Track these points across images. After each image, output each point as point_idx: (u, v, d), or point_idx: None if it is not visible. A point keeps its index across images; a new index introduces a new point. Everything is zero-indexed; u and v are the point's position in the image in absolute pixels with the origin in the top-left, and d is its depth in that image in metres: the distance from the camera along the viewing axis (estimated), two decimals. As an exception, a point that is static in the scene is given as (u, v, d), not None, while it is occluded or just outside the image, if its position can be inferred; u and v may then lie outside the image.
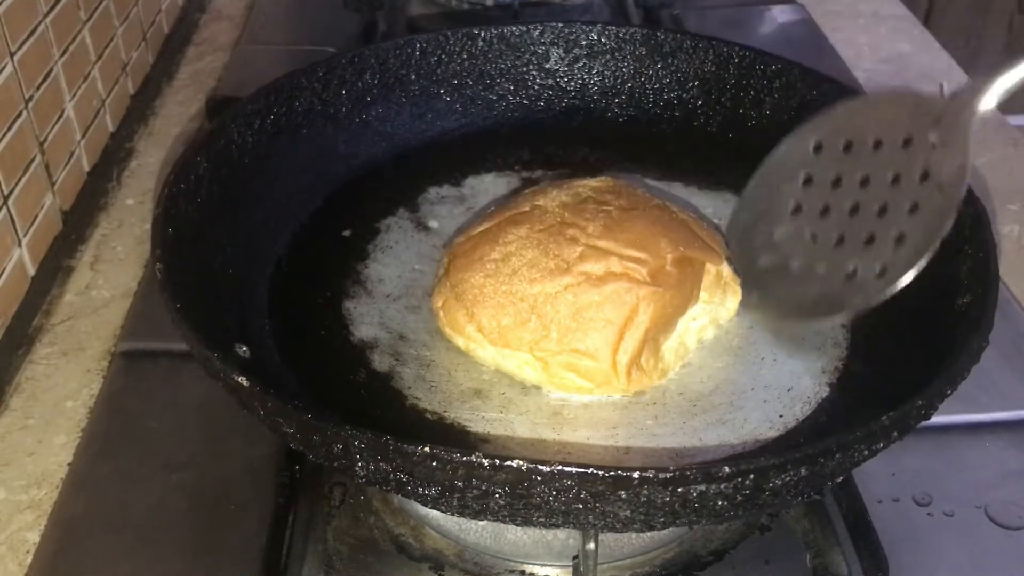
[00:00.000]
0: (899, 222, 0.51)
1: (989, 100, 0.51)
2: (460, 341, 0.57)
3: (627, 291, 0.53)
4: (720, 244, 0.60)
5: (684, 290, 0.56)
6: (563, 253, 0.55)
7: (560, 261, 0.54)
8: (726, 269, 0.58)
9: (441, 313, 0.57)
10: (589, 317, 0.54)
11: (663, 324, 0.55)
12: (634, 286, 0.54)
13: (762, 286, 0.58)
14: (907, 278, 0.49)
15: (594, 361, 0.54)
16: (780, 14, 1.16)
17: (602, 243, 0.55)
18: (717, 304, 0.59)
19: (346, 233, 0.68)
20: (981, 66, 1.89)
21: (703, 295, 0.58)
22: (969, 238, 0.56)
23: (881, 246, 0.51)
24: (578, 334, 0.54)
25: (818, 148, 0.57)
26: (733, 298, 0.59)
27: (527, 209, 0.58)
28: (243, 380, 0.46)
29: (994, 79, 0.51)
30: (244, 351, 0.53)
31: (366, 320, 0.61)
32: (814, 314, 0.54)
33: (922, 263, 0.49)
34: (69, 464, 0.63)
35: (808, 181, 0.57)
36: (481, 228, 0.59)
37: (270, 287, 0.62)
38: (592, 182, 0.60)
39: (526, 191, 0.62)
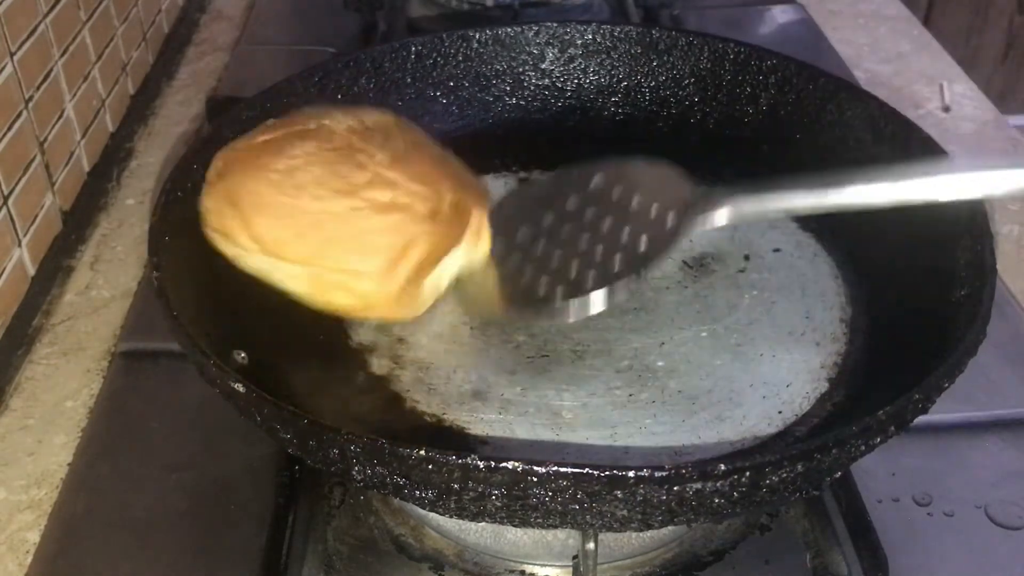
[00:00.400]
0: (593, 264, 0.55)
1: (720, 218, 0.54)
2: (228, 248, 0.56)
3: (409, 223, 0.54)
4: (483, 192, 0.60)
5: (453, 232, 0.56)
6: (351, 176, 0.54)
7: (347, 183, 0.54)
8: (483, 218, 0.58)
9: (211, 217, 0.56)
10: (369, 241, 0.54)
11: (432, 260, 0.55)
12: (415, 220, 0.54)
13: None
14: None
15: (366, 282, 0.54)
16: (780, 14, 1.16)
17: (390, 173, 0.55)
18: (471, 250, 0.58)
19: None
20: (981, 66, 1.89)
21: (465, 239, 0.57)
22: (966, 231, 0.56)
23: (577, 279, 0.54)
24: (355, 255, 0.53)
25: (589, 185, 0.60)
26: (484, 246, 0.59)
27: (314, 127, 0.57)
28: (239, 386, 0.46)
29: (737, 199, 0.54)
30: (242, 357, 0.54)
31: (364, 324, 0.61)
32: (509, 308, 0.56)
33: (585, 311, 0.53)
34: (69, 464, 0.64)
35: (562, 206, 0.60)
36: (263, 138, 0.57)
37: (267, 291, 0.62)
38: (376, 115, 0.60)
39: (306, 109, 0.60)
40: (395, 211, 0.54)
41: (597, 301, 0.53)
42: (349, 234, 0.54)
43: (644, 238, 0.55)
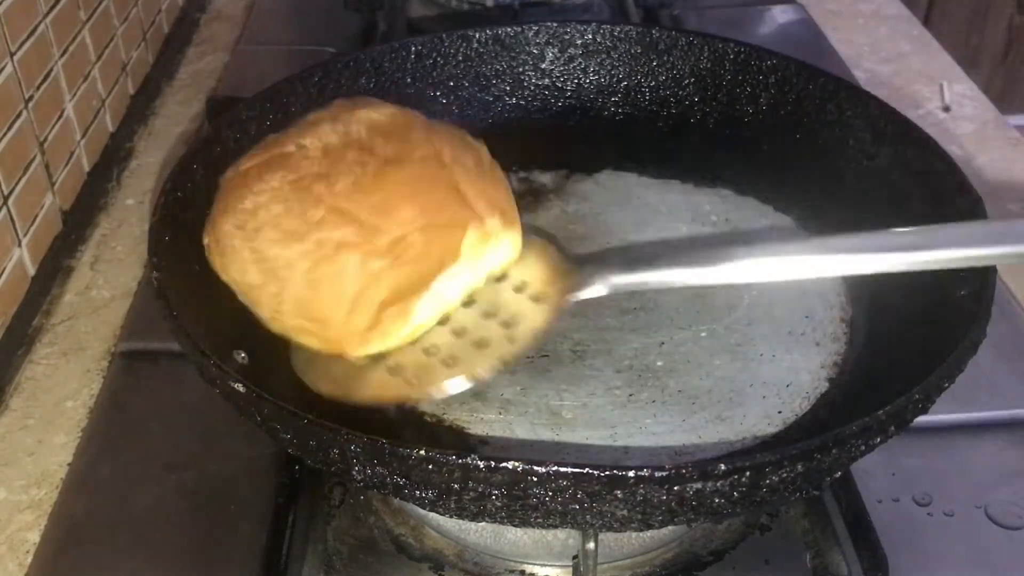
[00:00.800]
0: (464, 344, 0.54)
1: (597, 290, 0.55)
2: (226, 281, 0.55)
3: (361, 264, 0.51)
4: (495, 195, 0.57)
5: (431, 258, 0.53)
6: (306, 213, 0.52)
7: (301, 223, 0.52)
8: (493, 224, 0.55)
9: (208, 252, 0.56)
10: (323, 290, 0.52)
11: (406, 291, 0.53)
12: (370, 258, 0.51)
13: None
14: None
15: (329, 330, 0.52)
16: (780, 14, 1.16)
17: (345, 204, 0.52)
18: (480, 259, 0.56)
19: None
20: (981, 66, 1.89)
21: (465, 253, 0.55)
22: (966, 231, 0.56)
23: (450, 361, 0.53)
24: (311, 306, 0.52)
25: None
26: (508, 247, 0.57)
27: (291, 150, 0.55)
28: (239, 386, 0.46)
29: (610, 274, 0.54)
30: (242, 357, 0.54)
31: (365, 321, 0.61)
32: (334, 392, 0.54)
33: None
34: (69, 464, 0.64)
35: None
36: (250, 164, 0.56)
37: (268, 291, 0.62)
38: (373, 114, 0.57)
39: (308, 118, 0.58)
40: (347, 251, 0.51)
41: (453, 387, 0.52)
42: (303, 283, 0.52)
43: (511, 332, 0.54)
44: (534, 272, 0.57)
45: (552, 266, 0.57)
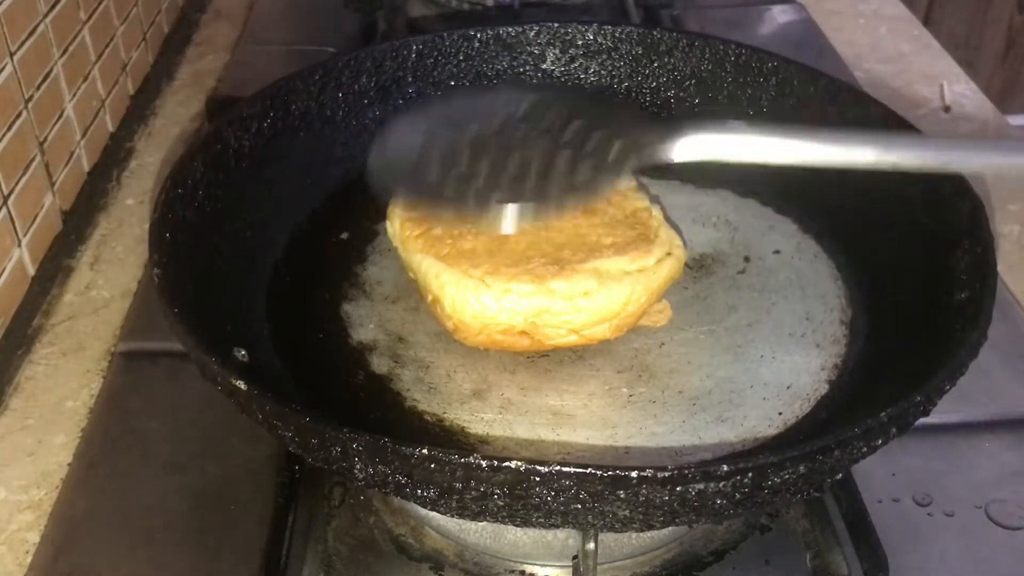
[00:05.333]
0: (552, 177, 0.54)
1: (679, 154, 0.55)
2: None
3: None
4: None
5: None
6: None
7: None
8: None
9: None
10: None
11: None
12: None
13: (393, 177, 0.57)
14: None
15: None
16: (780, 14, 1.16)
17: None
18: None
19: (344, 236, 0.68)
20: (981, 66, 1.89)
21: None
22: (967, 233, 0.56)
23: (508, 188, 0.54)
24: None
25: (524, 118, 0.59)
26: None
27: None
28: (240, 384, 0.46)
29: (692, 134, 0.55)
30: (243, 355, 0.54)
31: (365, 322, 0.61)
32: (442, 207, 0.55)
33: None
34: (69, 464, 0.64)
35: (492, 127, 0.58)
36: None
37: (268, 290, 0.62)
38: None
39: None
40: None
41: (508, 215, 0.53)
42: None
43: (583, 167, 0.55)
44: (609, 125, 0.57)
45: (633, 121, 0.58)
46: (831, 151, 0.54)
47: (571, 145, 0.56)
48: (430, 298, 0.57)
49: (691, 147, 0.55)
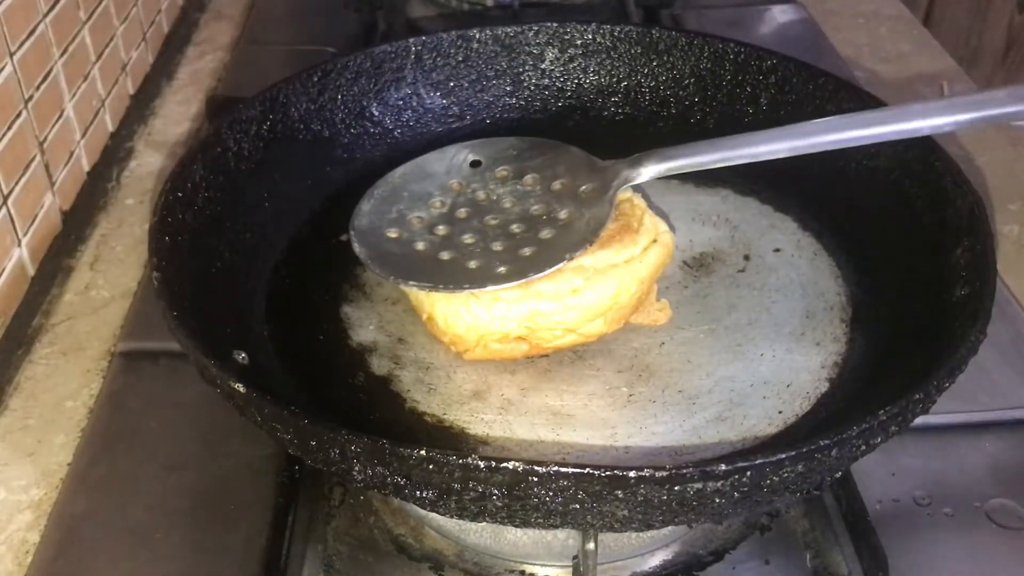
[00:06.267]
0: (532, 241, 0.58)
1: (643, 174, 0.59)
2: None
3: None
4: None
5: None
6: None
7: None
8: None
9: None
10: None
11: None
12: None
13: (383, 253, 0.59)
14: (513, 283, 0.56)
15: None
16: (780, 14, 1.16)
17: None
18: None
19: (344, 237, 0.67)
20: (981, 66, 1.89)
21: None
22: (966, 230, 0.56)
23: (506, 254, 0.57)
24: None
25: (475, 164, 0.64)
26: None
27: None
28: (239, 386, 0.46)
29: (652, 161, 0.59)
30: (243, 357, 0.54)
31: (365, 324, 0.61)
32: (420, 281, 0.57)
33: (532, 277, 0.55)
34: (69, 464, 0.64)
35: (451, 189, 0.62)
36: None
37: (268, 292, 0.62)
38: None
39: None
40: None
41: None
42: None
43: (580, 219, 0.58)
44: (576, 173, 0.61)
45: (590, 165, 0.61)
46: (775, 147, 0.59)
47: (545, 200, 0.60)
48: (425, 316, 0.58)
49: (647, 172, 0.60)
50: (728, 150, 0.59)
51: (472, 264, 0.57)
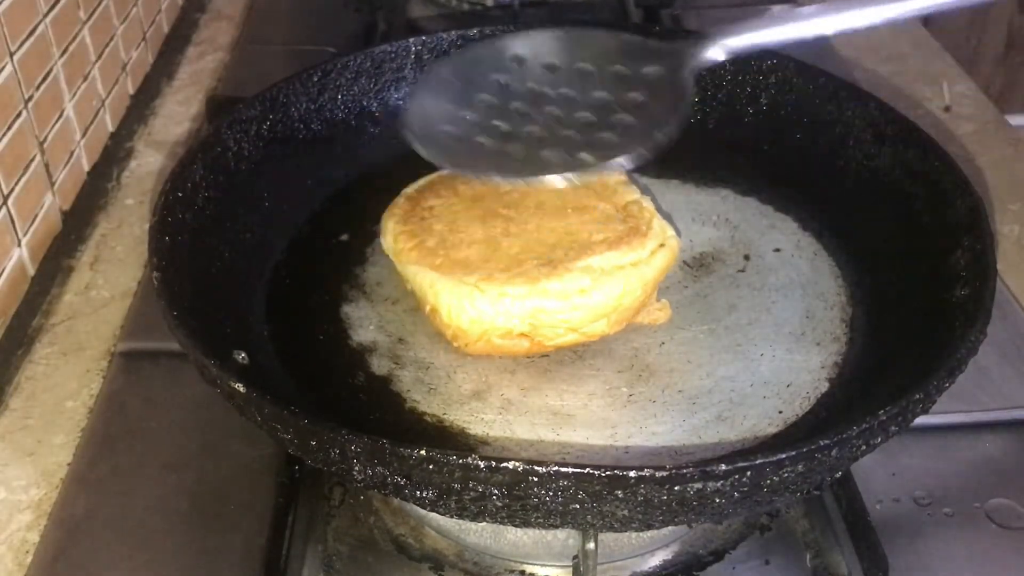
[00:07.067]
0: (609, 125, 0.53)
1: (714, 52, 0.55)
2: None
3: None
4: None
5: None
6: None
7: None
8: None
9: None
10: None
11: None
12: None
13: (442, 147, 0.55)
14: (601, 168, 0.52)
15: None
16: (780, 14, 1.16)
17: None
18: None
19: (344, 237, 0.68)
20: (981, 66, 1.89)
21: None
22: (966, 230, 0.56)
23: (583, 140, 0.52)
24: None
25: (519, 60, 0.58)
26: None
27: None
28: (239, 386, 0.46)
29: (725, 35, 0.55)
30: (242, 357, 0.54)
31: (365, 324, 0.61)
32: (505, 174, 0.54)
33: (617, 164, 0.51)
34: (69, 464, 0.64)
35: (503, 85, 0.57)
36: None
37: (268, 292, 0.62)
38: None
39: None
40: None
41: (626, 162, 0.52)
42: None
43: (656, 100, 0.54)
44: (633, 57, 0.57)
45: (644, 47, 0.57)
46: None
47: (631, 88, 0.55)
48: (428, 308, 0.58)
49: (717, 49, 0.55)
50: (798, 20, 0.55)
51: (547, 153, 0.52)
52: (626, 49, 0.57)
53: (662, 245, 0.59)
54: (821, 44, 1.09)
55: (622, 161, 0.51)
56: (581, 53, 0.58)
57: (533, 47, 0.59)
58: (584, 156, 0.51)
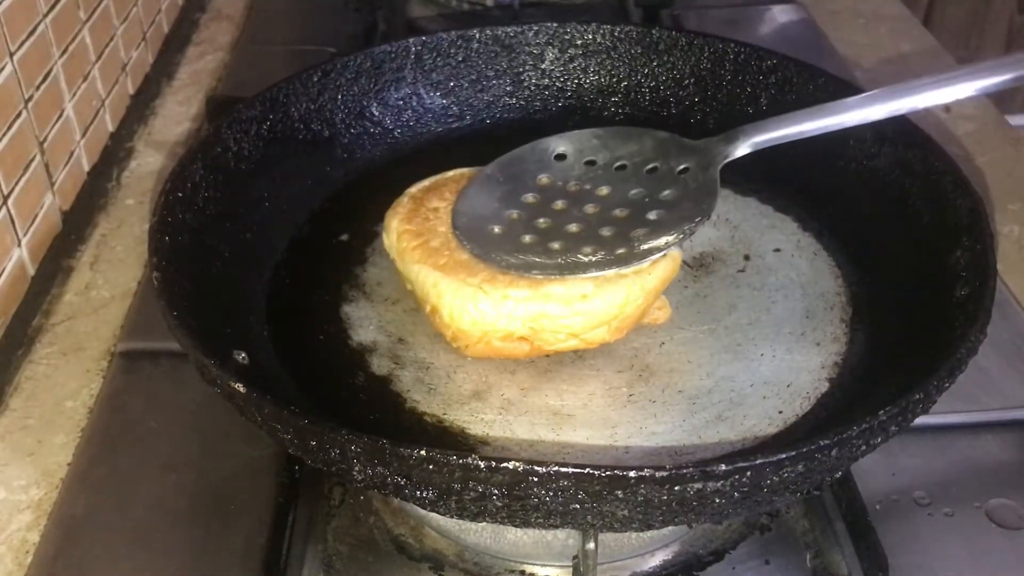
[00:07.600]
0: (642, 222, 0.58)
1: (741, 148, 0.61)
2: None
3: None
4: None
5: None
6: None
7: None
8: None
9: None
10: None
11: None
12: None
13: (489, 245, 0.58)
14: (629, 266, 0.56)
15: None
16: (780, 14, 1.16)
17: None
18: None
19: (344, 237, 0.68)
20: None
21: None
22: (966, 230, 0.56)
23: (617, 238, 0.57)
24: None
25: (560, 158, 0.64)
26: None
27: None
28: (239, 386, 0.46)
29: (748, 135, 0.61)
30: (242, 357, 0.54)
31: (365, 324, 0.61)
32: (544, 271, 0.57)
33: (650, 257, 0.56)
34: (69, 464, 0.64)
35: (545, 184, 0.62)
36: None
37: (268, 292, 0.62)
38: None
39: None
40: None
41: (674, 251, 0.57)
42: None
43: (686, 197, 0.59)
44: (667, 155, 0.62)
45: (679, 145, 0.62)
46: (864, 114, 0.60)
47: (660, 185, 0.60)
48: (428, 308, 0.58)
49: (744, 146, 0.61)
50: (821, 118, 0.59)
51: (587, 249, 0.57)
52: (661, 147, 0.62)
53: (664, 255, 0.59)
54: (821, 44, 1.09)
55: (654, 257, 0.56)
56: (619, 150, 0.63)
57: (575, 145, 0.64)
58: (620, 252, 0.56)
